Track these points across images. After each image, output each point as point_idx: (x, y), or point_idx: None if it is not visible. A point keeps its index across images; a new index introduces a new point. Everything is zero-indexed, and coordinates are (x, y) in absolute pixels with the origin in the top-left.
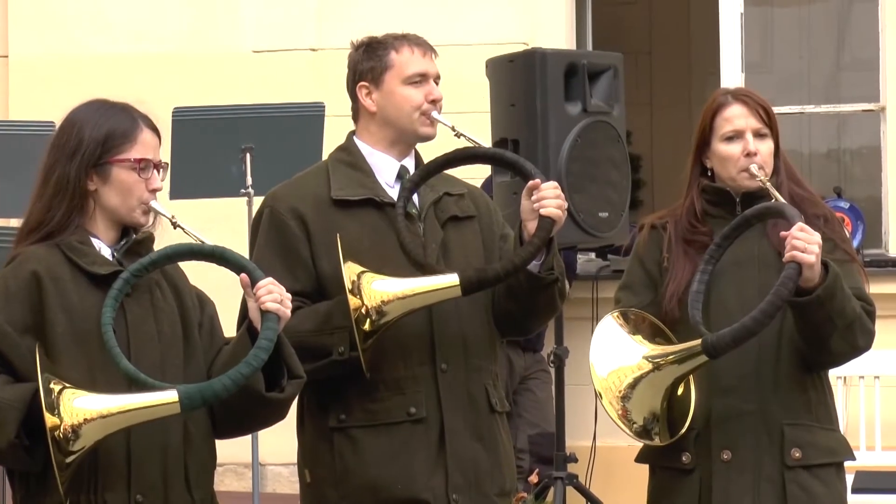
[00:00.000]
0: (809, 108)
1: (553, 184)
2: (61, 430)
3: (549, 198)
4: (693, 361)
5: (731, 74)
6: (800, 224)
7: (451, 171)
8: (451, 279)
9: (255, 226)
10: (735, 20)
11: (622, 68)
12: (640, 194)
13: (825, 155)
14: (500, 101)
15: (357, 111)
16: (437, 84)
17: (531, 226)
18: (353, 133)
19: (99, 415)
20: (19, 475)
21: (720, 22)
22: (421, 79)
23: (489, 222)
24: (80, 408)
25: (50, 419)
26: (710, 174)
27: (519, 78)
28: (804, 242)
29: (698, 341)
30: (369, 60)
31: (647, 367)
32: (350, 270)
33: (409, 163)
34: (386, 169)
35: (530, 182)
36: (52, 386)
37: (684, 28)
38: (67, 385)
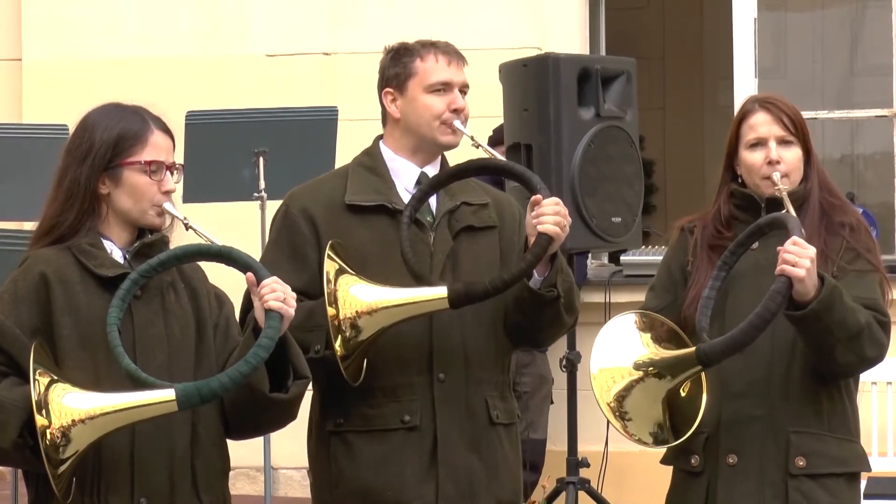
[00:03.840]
0: (823, 114)
1: (554, 200)
2: (49, 434)
3: (547, 214)
4: (688, 368)
5: (745, 80)
6: (794, 238)
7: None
8: (439, 291)
9: (273, 222)
10: (748, 25)
11: (635, 73)
12: (652, 199)
13: (838, 160)
14: (513, 105)
15: (384, 116)
16: (464, 93)
17: (532, 241)
18: (379, 137)
19: (88, 415)
20: (32, 477)
21: (733, 27)
22: (444, 87)
23: (511, 233)
24: (69, 407)
25: (39, 420)
26: (740, 180)
27: (532, 83)
28: (795, 256)
29: (693, 349)
30: (395, 67)
31: (637, 374)
32: (329, 266)
33: (432, 170)
34: (406, 175)
35: (533, 197)
36: (38, 377)
37: (697, 33)
38: (56, 378)
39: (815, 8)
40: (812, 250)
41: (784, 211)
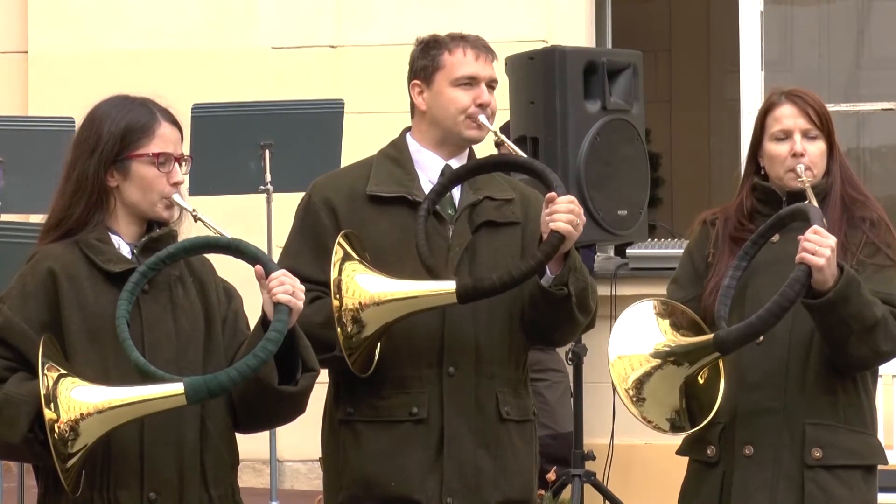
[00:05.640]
0: (829, 107)
1: (568, 198)
2: (58, 428)
3: (560, 211)
4: (705, 355)
5: (751, 73)
6: (815, 227)
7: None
8: (448, 286)
9: (296, 212)
10: (755, 18)
11: (641, 66)
12: (658, 192)
13: (844, 153)
14: (519, 98)
15: (412, 108)
16: (492, 88)
17: (545, 238)
18: (407, 129)
19: (96, 409)
20: (42, 471)
21: (740, 20)
22: (470, 81)
23: (535, 230)
24: (77, 400)
25: (47, 413)
26: (763, 173)
27: (538, 76)
28: (815, 245)
29: (711, 336)
30: (423, 59)
31: (655, 362)
32: (336, 254)
33: (457, 164)
34: (430, 167)
35: (548, 194)
36: (47, 371)
37: (704, 26)
38: (65, 372)
39: (822, 1)
40: (832, 239)
41: (806, 202)
